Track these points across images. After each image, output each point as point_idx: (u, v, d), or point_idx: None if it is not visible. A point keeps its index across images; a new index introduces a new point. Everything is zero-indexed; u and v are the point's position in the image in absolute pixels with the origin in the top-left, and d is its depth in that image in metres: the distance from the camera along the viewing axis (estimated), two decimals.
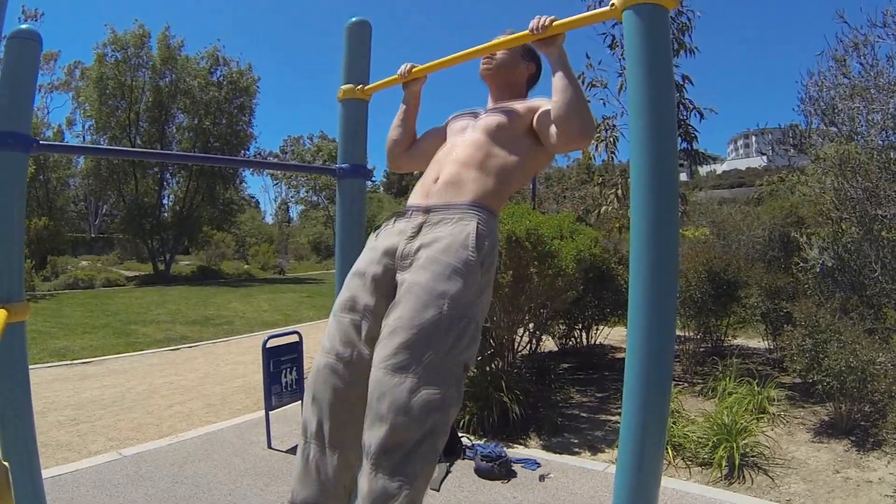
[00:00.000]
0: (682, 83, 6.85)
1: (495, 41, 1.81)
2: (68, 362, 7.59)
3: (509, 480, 3.55)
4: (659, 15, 1.43)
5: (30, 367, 1.93)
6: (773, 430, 4.36)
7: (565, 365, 6.65)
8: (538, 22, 1.63)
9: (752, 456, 3.81)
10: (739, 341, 7.25)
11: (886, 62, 4.90)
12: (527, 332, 5.71)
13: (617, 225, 8.08)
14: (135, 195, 23.63)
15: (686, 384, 5.61)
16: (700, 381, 5.54)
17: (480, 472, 3.59)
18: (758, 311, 6.01)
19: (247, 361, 7.73)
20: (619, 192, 7.50)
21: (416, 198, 1.76)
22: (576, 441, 4.44)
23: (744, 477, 3.61)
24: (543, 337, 6.32)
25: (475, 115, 1.89)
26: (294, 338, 4.54)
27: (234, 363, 7.82)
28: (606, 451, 4.20)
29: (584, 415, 5.08)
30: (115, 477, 3.51)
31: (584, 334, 7.35)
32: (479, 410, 4.46)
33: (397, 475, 1.39)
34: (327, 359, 1.65)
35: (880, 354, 3.81)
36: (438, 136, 1.98)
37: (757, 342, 7.20)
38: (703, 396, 5.13)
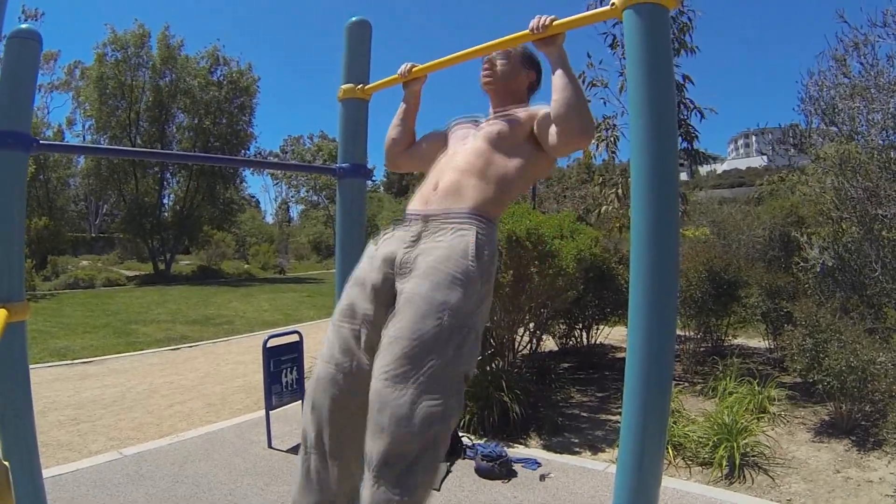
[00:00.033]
0: (682, 83, 6.85)
1: (495, 41, 1.80)
2: (69, 362, 7.59)
3: (510, 480, 3.55)
4: (659, 14, 1.43)
5: (30, 366, 1.94)
6: (773, 429, 4.35)
7: (566, 364, 6.65)
8: (538, 21, 1.63)
9: (753, 456, 3.80)
10: (740, 341, 7.25)
11: (887, 62, 4.91)
12: (527, 332, 5.71)
13: (617, 224, 8.08)
14: (135, 195, 23.64)
15: (686, 384, 5.61)
16: (700, 380, 5.54)
17: (481, 472, 3.59)
18: (758, 310, 6.00)
19: (247, 361, 7.74)
20: (620, 191, 7.49)
21: (415, 205, 1.75)
22: (576, 441, 4.44)
23: (744, 477, 3.61)
24: (544, 336, 6.32)
25: (476, 123, 1.88)
26: (294, 337, 4.54)
27: (235, 363, 7.82)
28: (607, 450, 4.20)
29: (584, 414, 5.08)
30: (115, 476, 3.51)
31: (584, 334, 7.35)
32: (479, 410, 4.45)
33: (399, 486, 1.40)
34: (326, 368, 1.65)
35: (881, 354, 3.81)
36: (439, 140, 1.97)
37: (757, 342, 7.19)
38: (704, 396, 5.13)
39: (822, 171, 5.16)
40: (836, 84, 5.22)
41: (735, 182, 45.14)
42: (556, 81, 1.64)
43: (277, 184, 50.20)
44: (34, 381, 1.97)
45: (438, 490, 3.37)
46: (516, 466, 3.69)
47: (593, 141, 6.86)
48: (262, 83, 33.66)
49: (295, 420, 4.46)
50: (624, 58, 6.34)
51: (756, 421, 4.19)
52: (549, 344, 7.16)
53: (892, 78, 4.81)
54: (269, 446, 4.12)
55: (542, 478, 3.57)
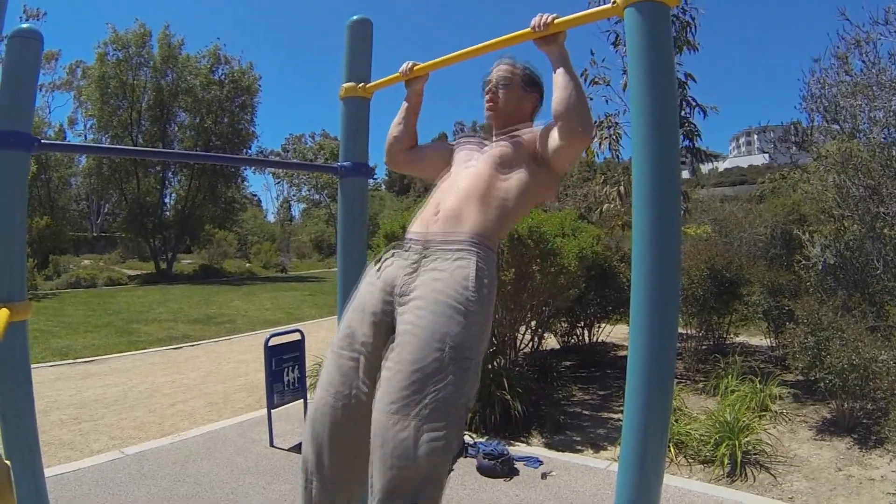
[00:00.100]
0: (684, 81, 6.83)
1: (497, 40, 1.78)
2: (70, 361, 7.61)
3: (512, 478, 3.55)
4: (660, 12, 1.42)
5: (32, 366, 1.94)
6: (775, 427, 4.35)
7: (567, 363, 6.65)
8: (539, 20, 1.62)
9: (755, 454, 3.80)
10: (741, 339, 7.24)
11: (889, 59, 4.89)
12: (529, 330, 5.71)
13: (619, 222, 8.07)
14: (137, 194, 23.68)
15: (688, 382, 5.60)
16: (702, 378, 5.53)
17: (483, 470, 3.59)
18: (760, 308, 6.00)
19: (249, 360, 7.75)
20: (621, 189, 7.48)
21: (415, 228, 1.74)
22: (578, 439, 4.44)
23: (746, 475, 3.61)
24: (546, 335, 6.32)
25: (481, 146, 1.86)
26: (296, 336, 4.54)
27: (236, 362, 7.83)
28: (609, 448, 4.20)
29: (586, 412, 5.08)
30: (117, 475, 3.52)
31: (586, 332, 7.36)
32: (481, 408, 4.45)
33: None
34: (326, 396, 1.65)
35: (882, 352, 3.80)
36: (443, 152, 1.97)
37: (759, 340, 7.19)
38: (706, 394, 5.13)
39: (823, 169, 5.15)
40: (838, 82, 5.21)
41: (737, 180, 45.11)
42: (557, 79, 1.63)
43: (279, 182, 50.37)
44: (36, 381, 1.97)
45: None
46: (518, 465, 3.70)
47: (595, 139, 6.84)
48: (264, 82, 33.77)
49: (297, 418, 4.47)
50: (626, 55, 6.32)
51: (758, 419, 4.19)
52: (551, 342, 7.17)
53: (893, 76, 4.80)
54: (271, 445, 4.12)
55: (544, 476, 3.58)
